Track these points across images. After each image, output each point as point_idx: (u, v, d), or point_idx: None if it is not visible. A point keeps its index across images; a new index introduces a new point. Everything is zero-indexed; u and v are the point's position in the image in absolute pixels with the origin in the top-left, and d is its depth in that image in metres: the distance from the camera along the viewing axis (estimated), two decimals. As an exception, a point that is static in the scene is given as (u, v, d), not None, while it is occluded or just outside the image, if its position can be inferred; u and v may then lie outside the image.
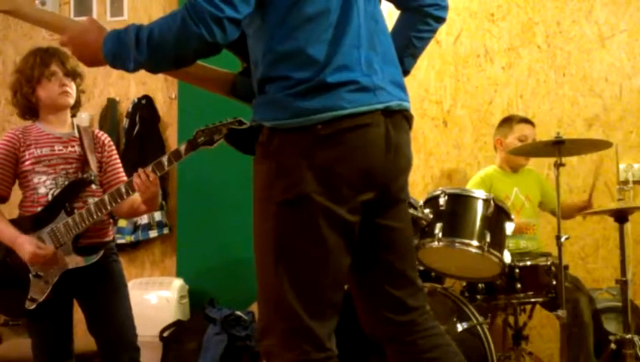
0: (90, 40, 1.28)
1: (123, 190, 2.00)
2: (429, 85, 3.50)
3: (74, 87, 2.14)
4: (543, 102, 3.41)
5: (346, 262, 1.26)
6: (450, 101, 3.49)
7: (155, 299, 3.27)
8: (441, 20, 1.47)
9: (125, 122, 3.70)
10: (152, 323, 3.07)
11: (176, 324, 3.21)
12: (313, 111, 1.19)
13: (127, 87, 3.79)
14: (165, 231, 3.60)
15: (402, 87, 1.33)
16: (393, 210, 1.34)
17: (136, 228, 3.56)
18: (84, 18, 1.36)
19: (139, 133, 3.65)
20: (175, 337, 3.15)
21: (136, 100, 3.72)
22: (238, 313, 3.16)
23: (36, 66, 2.09)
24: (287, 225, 1.22)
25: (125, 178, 2.22)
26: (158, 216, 3.58)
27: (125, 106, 3.74)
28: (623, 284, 2.57)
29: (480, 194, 2.34)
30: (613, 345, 2.57)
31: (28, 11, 1.41)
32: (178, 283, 3.38)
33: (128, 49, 1.20)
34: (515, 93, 3.44)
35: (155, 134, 3.71)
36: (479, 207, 2.28)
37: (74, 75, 2.14)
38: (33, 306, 1.99)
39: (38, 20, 1.43)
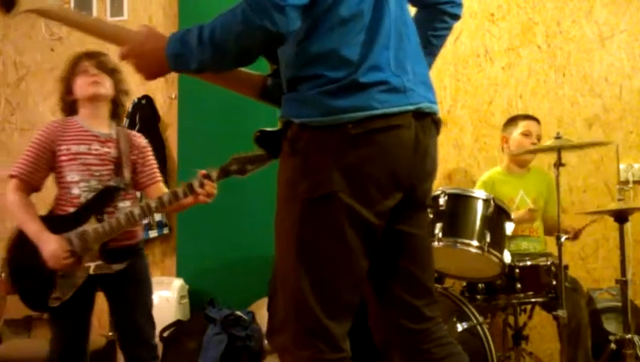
0: (152, 48, 1.27)
1: (153, 206, 2.04)
2: (429, 85, 3.50)
3: (109, 81, 2.16)
4: (543, 102, 3.41)
5: (365, 266, 1.25)
6: (450, 101, 3.49)
7: (155, 299, 3.22)
8: (456, 17, 1.49)
9: (125, 122, 3.69)
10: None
11: (176, 324, 3.21)
12: (344, 110, 1.18)
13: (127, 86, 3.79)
14: (165, 231, 3.60)
15: (431, 89, 1.33)
16: (416, 216, 1.33)
17: (136, 228, 3.56)
18: (141, 27, 1.34)
19: (139, 133, 3.64)
20: (175, 337, 3.15)
21: (136, 100, 3.71)
22: (238, 313, 3.16)
23: (71, 66, 2.17)
24: (310, 222, 1.21)
25: (160, 178, 2.27)
26: (157, 216, 3.58)
27: (125, 106, 3.73)
28: (622, 284, 2.57)
29: (480, 194, 2.34)
30: (613, 345, 2.57)
31: (69, 16, 1.41)
32: (178, 283, 3.38)
33: (191, 49, 1.19)
34: (515, 93, 3.44)
35: (155, 134, 3.70)
36: (479, 206, 2.28)
37: (107, 70, 2.17)
38: (56, 304, 2.02)
39: (81, 25, 1.42)
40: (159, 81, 3.79)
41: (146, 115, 3.70)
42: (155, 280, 3.49)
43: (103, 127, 2.18)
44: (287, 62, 1.27)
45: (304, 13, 1.17)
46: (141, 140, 2.29)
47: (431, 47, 1.50)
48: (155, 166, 2.29)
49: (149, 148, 2.30)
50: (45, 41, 3.89)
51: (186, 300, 3.41)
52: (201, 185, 2.03)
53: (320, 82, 1.20)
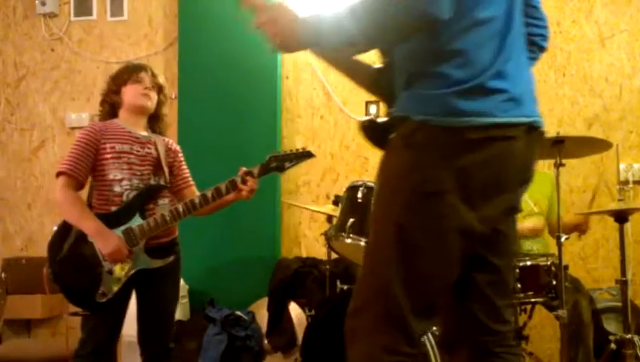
0: (288, 18, 1.25)
1: (197, 202, 2.10)
2: (429, 85, 3.50)
3: (156, 97, 2.25)
4: (543, 102, 3.36)
5: (457, 272, 1.26)
6: (450, 101, 3.49)
7: (155, 299, 3.26)
8: (543, 50, 1.48)
9: (125, 122, 3.70)
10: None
11: (176, 324, 3.19)
12: (468, 113, 1.18)
13: (127, 87, 3.79)
14: (165, 231, 3.60)
15: (537, 104, 1.34)
16: (509, 219, 1.35)
17: (136, 228, 3.56)
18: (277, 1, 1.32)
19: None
20: (175, 337, 3.13)
21: (136, 100, 3.72)
22: (238, 313, 3.16)
23: (127, 71, 2.23)
24: (414, 217, 1.21)
25: (193, 183, 2.33)
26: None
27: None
28: (622, 284, 2.56)
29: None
30: (613, 345, 2.57)
31: None
32: (178, 283, 3.38)
33: (340, 23, 1.18)
34: (515, 93, 3.44)
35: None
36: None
37: (159, 88, 2.27)
38: (104, 299, 2.05)
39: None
40: (159, 81, 3.79)
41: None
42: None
43: (141, 131, 2.25)
44: (413, 57, 1.26)
45: None
46: (175, 145, 2.37)
47: None
48: (188, 171, 2.36)
49: (182, 153, 2.38)
50: (45, 41, 3.89)
51: (186, 300, 3.41)
52: (244, 182, 2.09)
53: (446, 82, 1.20)
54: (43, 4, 3.81)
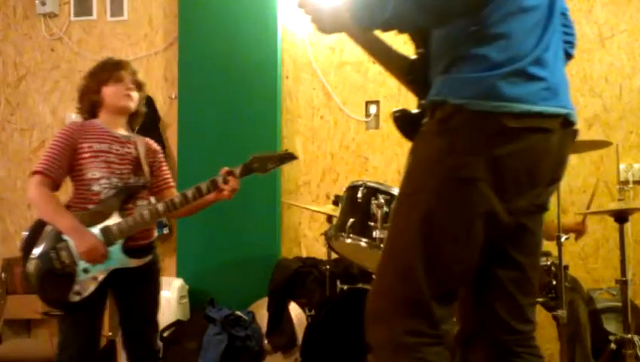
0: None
1: (177, 201, 2.07)
2: (429, 85, 3.50)
3: (137, 96, 2.21)
4: (542, 102, 3.41)
5: (478, 261, 1.24)
6: (450, 101, 3.49)
7: (155, 299, 3.27)
8: (570, 58, 1.47)
9: (125, 122, 3.70)
10: (151, 323, 3.06)
11: (176, 324, 3.21)
12: (508, 99, 1.16)
13: (127, 87, 3.79)
14: (165, 231, 3.60)
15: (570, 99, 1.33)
16: (537, 215, 1.34)
17: (136, 228, 3.56)
18: None
19: (139, 133, 3.63)
20: (175, 337, 3.15)
21: (136, 100, 3.72)
22: (238, 313, 3.16)
23: (108, 69, 2.18)
24: (443, 202, 1.20)
25: (173, 184, 2.30)
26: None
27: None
28: (622, 284, 2.56)
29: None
30: (613, 345, 2.57)
31: None
32: (178, 283, 3.37)
33: (385, 2, 1.18)
34: (515, 93, 3.44)
35: (156, 134, 3.70)
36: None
37: (139, 86, 2.23)
38: (77, 299, 2.02)
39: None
40: (159, 81, 3.79)
41: (146, 115, 3.68)
42: (155, 280, 3.51)
43: (121, 131, 2.22)
44: (453, 41, 1.24)
45: None
46: (156, 145, 2.33)
47: None
48: (169, 172, 2.34)
49: (163, 155, 2.35)
50: (45, 41, 3.89)
51: (186, 300, 3.41)
52: (225, 181, 2.06)
53: (486, 64, 1.18)
54: (43, 4, 3.80)
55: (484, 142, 1.17)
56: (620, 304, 2.66)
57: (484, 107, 1.17)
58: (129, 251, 2.07)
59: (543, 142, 1.21)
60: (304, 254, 3.56)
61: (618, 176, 2.98)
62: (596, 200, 2.92)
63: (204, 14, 3.61)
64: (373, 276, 1.34)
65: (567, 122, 1.25)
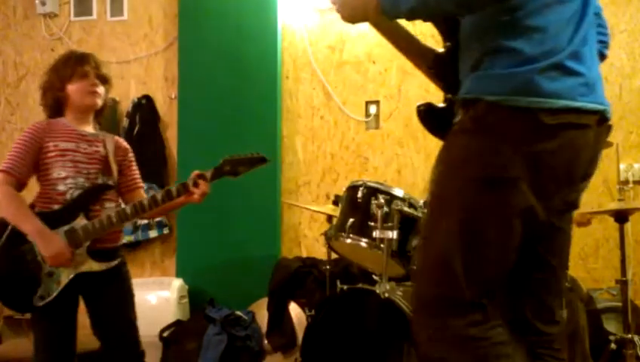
0: None
1: (146, 204, 2.01)
2: (429, 85, 3.47)
3: (103, 91, 2.14)
4: (543, 102, 3.40)
5: (514, 259, 1.22)
6: (450, 101, 3.49)
7: (155, 299, 3.26)
8: (604, 58, 1.44)
9: (125, 122, 3.70)
10: (151, 324, 3.05)
11: (176, 324, 3.20)
12: (543, 94, 1.13)
13: (127, 86, 3.79)
14: (165, 231, 3.60)
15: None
16: (567, 214, 1.32)
17: (135, 228, 3.55)
18: None
19: (139, 133, 3.64)
20: (175, 337, 3.14)
21: (136, 100, 3.71)
22: (238, 313, 3.16)
23: (70, 65, 2.09)
24: (482, 201, 1.17)
25: (142, 185, 2.23)
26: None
27: (125, 106, 3.73)
28: (623, 284, 2.56)
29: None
30: (613, 345, 2.56)
31: None
32: (178, 283, 3.37)
33: None
34: (515, 93, 3.44)
35: (156, 134, 3.70)
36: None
37: (104, 80, 2.15)
38: (42, 303, 1.96)
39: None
40: (159, 81, 3.79)
41: (146, 115, 3.69)
42: (155, 280, 3.50)
43: (89, 128, 2.15)
44: (485, 34, 1.20)
45: None
46: (125, 144, 2.25)
47: None
48: (138, 172, 2.25)
49: (132, 153, 2.26)
50: (45, 41, 3.89)
51: (186, 300, 3.40)
52: (195, 185, 2.02)
53: (521, 58, 1.15)
54: (43, 4, 3.80)
55: (521, 139, 1.14)
56: (620, 304, 2.65)
57: (520, 103, 1.14)
58: (95, 253, 2.00)
59: (580, 139, 1.18)
60: (304, 254, 3.56)
61: (618, 176, 2.98)
62: (596, 201, 2.92)
63: (204, 14, 3.60)
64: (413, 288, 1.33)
65: (602, 119, 1.22)
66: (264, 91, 3.55)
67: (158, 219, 3.56)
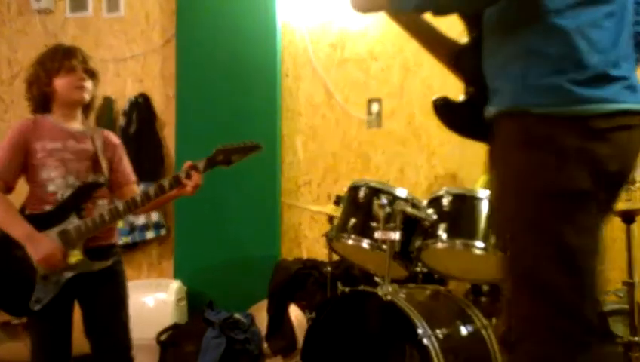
0: None
1: (139, 200, 1.98)
2: (432, 82, 3.45)
3: (91, 85, 2.11)
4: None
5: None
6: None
7: (152, 301, 3.24)
8: None
9: (122, 120, 3.66)
10: (149, 326, 3.03)
11: (174, 327, 3.17)
12: (592, 100, 1.12)
13: (124, 85, 3.76)
14: (162, 232, 3.56)
15: None
16: (604, 219, 1.29)
17: (132, 229, 3.52)
18: None
19: (136, 132, 3.62)
20: (172, 340, 3.11)
21: (132, 98, 3.69)
22: (237, 316, 3.13)
23: (57, 59, 2.05)
24: (565, 220, 1.15)
25: (134, 179, 2.21)
26: (155, 216, 3.54)
27: (122, 105, 3.70)
28: (630, 286, 2.53)
29: (484, 194, 2.30)
30: (620, 348, 2.53)
31: None
32: (176, 285, 3.34)
33: None
34: (519, 90, 3.40)
35: (153, 133, 3.67)
36: (483, 207, 2.24)
37: (92, 74, 2.12)
38: (38, 307, 1.94)
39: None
40: (156, 79, 3.75)
41: (143, 114, 3.66)
42: (152, 282, 3.47)
43: (76, 125, 2.11)
44: (512, 28, 1.17)
45: None
46: (115, 138, 2.21)
47: None
48: (129, 166, 2.22)
49: (123, 147, 2.23)
50: (40, 38, 3.84)
51: (184, 302, 3.37)
52: (188, 176, 1.98)
53: (563, 65, 1.12)
54: (38, 0, 3.76)
55: (576, 148, 1.13)
56: (627, 306, 2.62)
57: (569, 113, 1.12)
58: (89, 252, 1.98)
59: (630, 140, 1.17)
60: (305, 255, 3.53)
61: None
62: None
63: (202, 10, 3.57)
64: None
65: None
66: (264, 89, 3.51)
67: (155, 220, 3.52)
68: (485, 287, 2.49)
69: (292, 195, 3.58)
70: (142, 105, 3.67)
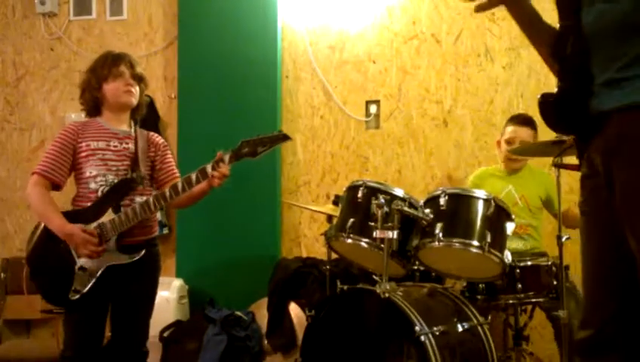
0: None
1: (167, 194, 2.08)
2: (429, 85, 3.49)
3: (138, 90, 2.23)
4: (543, 101, 3.40)
5: None
6: (450, 101, 3.49)
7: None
8: None
9: (125, 122, 3.68)
10: (152, 324, 3.03)
11: (176, 324, 3.20)
12: None
13: (127, 86, 3.78)
14: (165, 231, 3.59)
15: None
16: None
17: (135, 228, 3.55)
18: None
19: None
20: (175, 337, 3.14)
21: (135, 100, 3.70)
22: (238, 313, 3.15)
23: (107, 65, 2.19)
24: None
25: (178, 176, 2.29)
26: (157, 215, 3.56)
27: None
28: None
29: (480, 194, 2.33)
30: None
31: None
32: (178, 283, 3.37)
33: None
34: (516, 92, 3.43)
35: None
36: (480, 206, 2.26)
37: (140, 79, 2.25)
38: (76, 297, 2.04)
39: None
40: (159, 81, 3.78)
41: (146, 115, 3.65)
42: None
43: (124, 126, 2.24)
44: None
45: None
46: (159, 139, 2.35)
47: None
48: (173, 164, 2.34)
49: (168, 147, 2.36)
50: (44, 41, 3.88)
51: (186, 300, 3.40)
52: (214, 168, 2.05)
53: None
54: (42, 3, 3.79)
55: None
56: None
57: None
58: (125, 247, 2.09)
59: None
60: (304, 254, 3.55)
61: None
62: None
63: (203, 13, 3.60)
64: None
65: None
66: (264, 91, 3.54)
67: (157, 219, 3.55)
68: (481, 286, 2.51)
69: (292, 195, 3.61)
70: (147, 98, 3.70)
